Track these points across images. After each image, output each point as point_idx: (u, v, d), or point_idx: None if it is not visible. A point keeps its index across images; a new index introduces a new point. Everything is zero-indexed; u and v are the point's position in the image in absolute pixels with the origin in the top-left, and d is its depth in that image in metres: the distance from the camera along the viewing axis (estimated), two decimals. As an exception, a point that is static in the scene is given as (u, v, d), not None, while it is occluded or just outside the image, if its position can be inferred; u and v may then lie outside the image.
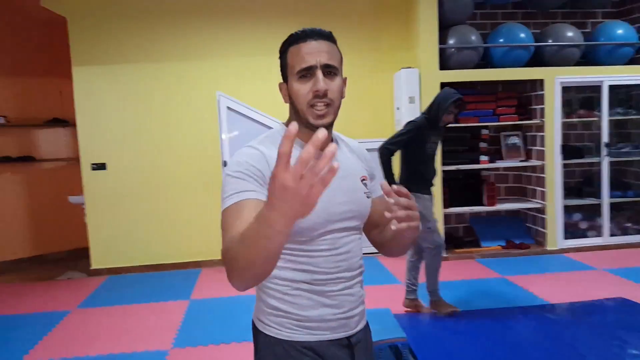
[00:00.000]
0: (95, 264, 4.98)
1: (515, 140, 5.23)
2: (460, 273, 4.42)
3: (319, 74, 1.15)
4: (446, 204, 4.91)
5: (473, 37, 4.84)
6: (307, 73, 1.16)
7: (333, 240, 1.20)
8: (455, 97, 3.25)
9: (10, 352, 3.20)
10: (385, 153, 3.33)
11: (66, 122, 5.70)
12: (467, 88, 5.12)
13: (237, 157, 1.19)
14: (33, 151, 5.68)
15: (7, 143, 5.46)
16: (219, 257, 5.03)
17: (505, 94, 5.09)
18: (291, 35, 1.19)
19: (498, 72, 4.76)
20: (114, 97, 4.93)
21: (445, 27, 4.91)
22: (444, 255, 3.36)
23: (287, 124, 1.25)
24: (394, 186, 1.08)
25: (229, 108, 4.99)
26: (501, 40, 4.88)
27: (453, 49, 4.82)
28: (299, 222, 0.93)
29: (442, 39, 4.85)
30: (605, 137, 4.96)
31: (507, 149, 5.23)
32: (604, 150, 4.97)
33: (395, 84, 5.07)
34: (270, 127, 5.02)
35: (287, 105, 1.27)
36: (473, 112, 4.93)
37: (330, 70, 1.17)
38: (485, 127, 5.11)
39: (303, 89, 1.17)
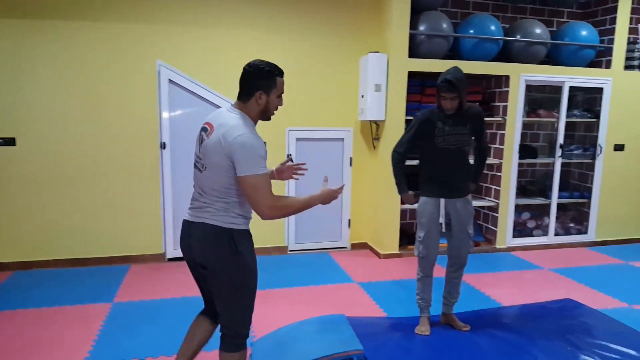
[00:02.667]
0: None
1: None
2: (413, 271, 4.26)
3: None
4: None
5: (444, 25, 4.55)
6: (281, 94, 2.10)
7: None
8: (440, 80, 2.74)
9: None
10: (393, 157, 2.98)
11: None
12: (435, 79, 4.84)
13: (257, 142, 1.94)
14: None
15: None
16: (151, 252, 4.47)
17: (470, 89, 4.89)
18: (279, 71, 2.07)
19: (467, 64, 4.53)
20: (28, 58, 4.03)
21: (416, 12, 4.55)
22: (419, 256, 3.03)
23: (247, 113, 2.05)
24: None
25: (171, 81, 4.32)
26: (471, 31, 4.63)
27: (423, 36, 4.49)
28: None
29: (413, 24, 4.50)
30: (561, 139, 4.98)
31: (466, 144, 5.09)
32: (558, 152, 5.00)
33: (361, 69, 4.66)
34: (217, 105, 4.44)
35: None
36: (439, 105, 4.68)
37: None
38: (448, 121, 4.91)
39: (278, 102, 2.09)
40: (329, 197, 2.16)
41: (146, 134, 4.33)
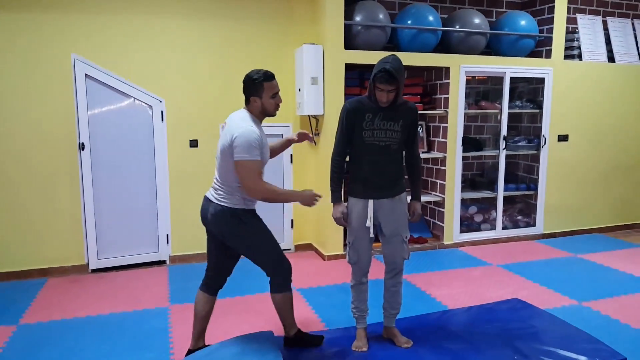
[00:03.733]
0: None
1: (419, 131, 4.96)
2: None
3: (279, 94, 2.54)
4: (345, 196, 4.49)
5: (381, 16, 4.39)
6: (276, 93, 2.50)
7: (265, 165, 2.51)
8: (377, 70, 2.45)
9: None
10: (333, 163, 2.68)
11: None
12: (373, 71, 4.68)
13: (251, 133, 2.34)
14: None
15: None
16: (72, 263, 4.10)
17: (411, 81, 4.76)
18: (267, 76, 2.44)
19: (406, 55, 4.38)
20: None
21: (352, 2, 4.38)
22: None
23: (253, 112, 2.48)
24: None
25: (88, 76, 3.98)
26: (409, 21, 4.49)
27: (360, 27, 4.32)
28: (264, 158, 2.45)
29: (348, 15, 4.32)
30: (504, 130, 4.90)
31: (410, 138, 4.95)
32: (503, 143, 4.92)
33: (297, 61, 4.44)
34: (141, 101, 4.13)
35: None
36: (378, 98, 4.51)
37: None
38: (390, 115, 4.74)
39: (274, 101, 2.49)
40: (309, 198, 2.51)
41: (63, 134, 3.97)
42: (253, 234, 2.49)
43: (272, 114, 2.51)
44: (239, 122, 2.38)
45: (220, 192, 2.46)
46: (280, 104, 2.52)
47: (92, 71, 3.97)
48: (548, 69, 4.94)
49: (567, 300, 3.55)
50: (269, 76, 2.44)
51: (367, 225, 2.62)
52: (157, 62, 4.15)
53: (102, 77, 4.00)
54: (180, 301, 3.53)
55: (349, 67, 4.35)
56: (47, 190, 3.99)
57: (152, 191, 4.29)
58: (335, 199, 2.70)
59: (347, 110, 2.60)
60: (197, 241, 4.41)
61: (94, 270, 4.16)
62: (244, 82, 2.46)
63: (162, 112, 4.21)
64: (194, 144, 4.33)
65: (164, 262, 4.38)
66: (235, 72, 4.33)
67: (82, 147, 4.00)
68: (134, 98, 4.11)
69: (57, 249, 4.06)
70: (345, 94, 4.34)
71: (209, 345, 2.65)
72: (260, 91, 2.42)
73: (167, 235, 4.36)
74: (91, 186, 4.07)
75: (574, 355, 2.61)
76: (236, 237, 2.48)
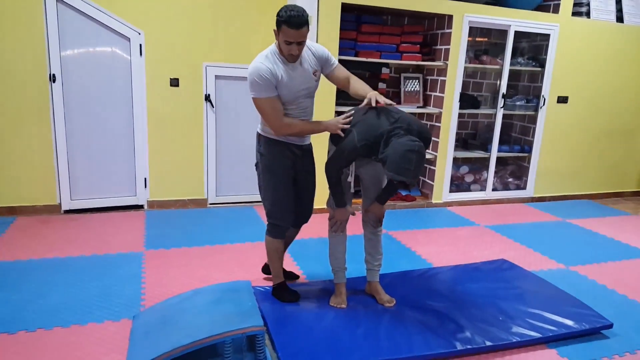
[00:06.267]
0: None
1: (415, 84, 4.72)
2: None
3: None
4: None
5: (384, -48, 4.03)
6: (292, 42, 2.22)
7: (298, 103, 2.39)
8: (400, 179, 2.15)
9: None
10: (330, 172, 2.42)
11: None
12: (373, 15, 4.38)
13: (255, 70, 2.23)
14: None
15: None
16: (44, 203, 3.89)
17: (411, 28, 4.47)
18: (287, 19, 2.17)
19: (407, 0, 4.08)
20: None
21: None
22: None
23: (277, 46, 2.30)
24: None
25: (59, 0, 3.62)
26: (414, -39, 4.15)
27: (360, -36, 3.97)
28: (285, 96, 2.32)
29: (348, -51, 3.96)
30: (504, 88, 4.68)
31: (406, 93, 4.71)
32: (501, 102, 4.71)
33: (289, 1, 4.11)
34: (116, 31, 3.80)
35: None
36: (376, 45, 4.24)
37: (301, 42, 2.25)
38: (387, 66, 4.48)
39: (287, 49, 2.24)
40: (333, 125, 2.37)
41: (32, 64, 3.65)
42: (263, 166, 2.47)
43: (288, 60, 2.29)
44: (254, 59, 2.29)
45: (260, 121, 2.47)
46: (295, 55, 2.26)
47: (64, -5, 3.61)
48: (554, 25, 4.68)
49: (554, 264, 3.47)
50: (293, 22, 2.15)
51: (348, 180, 2.51)
52: (136, -10, 3.79)
53: (74, 2, 3.64)
54: (155, 247, 3.38)
55: (346, 9, 4.04)
56: (16, 125, 3.71)
57: (129, 131, 4.03)
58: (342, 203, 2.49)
59: (357, 150, 2.29)
60: (176, 187, 4.22)
61: (66, 212, 3.96)
62: None
63: (140, 45, 3.89)
64: (174, 82, 4.04)
65: (141, 206, 4.20)
66: (219, 5, 4.00)
67: (53, 79, 3.70)
68: (108, 27, 3.77)
69: (26, 187, 3.83)
70: (340, 39, 4.05)
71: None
72: (278, 29, 2.22)
73: (145, 178, 4.14)
74: (63, 123, 3.80)
75: (560, 319, 2.54)
76: (256, 163, 2.53)
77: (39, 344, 2.19)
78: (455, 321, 2.48)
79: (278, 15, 2.19)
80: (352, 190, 2.58)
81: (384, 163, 2.18)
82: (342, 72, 2.50)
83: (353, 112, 2.42)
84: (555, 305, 2.69)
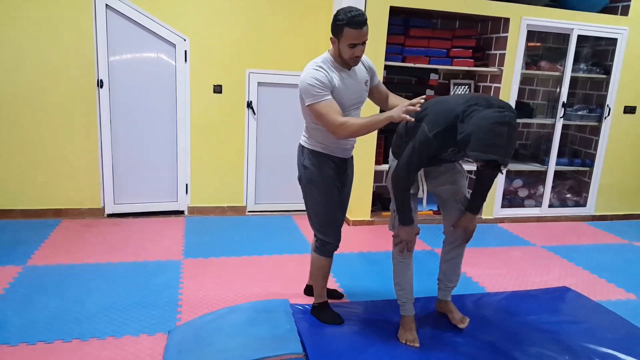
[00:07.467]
0: None
1: (465, 91, 4.46)
2: (384, 243, 3.74)
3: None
4: (379, 161, 4.12)
5: (436, -47, 3.83)
6: (357, 45, 2.13)
7: (347, 113, 2.23)
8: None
9: None
10: (398, 181, 2.20)
11: None
12: (422, 18, 4.18)
13: (307, 76, 2.13)
14: None
15: None
16: (88, 206, 3.93)
17: (463, 32, 4.23)
18: (350, 21, 2.08)
19: (460, 2, 3.86)
20: None
21: None
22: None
23: (333, 54, 2.21)
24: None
25: (109, 7, 3.67)
26: (468, -38, 3.92)
27: (410, -34, 3.79)
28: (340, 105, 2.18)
29: (399, -50, 3.79)
30: (564, 96, 4.35)
31: (455, 99, 4.46)
32: (561, 111, 4.38)
33: (334, 2, 3.98)
34: (163, 38, 3.80)
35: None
36: (425, 50, 4.03)
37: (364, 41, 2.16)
38: (435, 71, 4.27)
39: (351, 52, 2.14)
40: (398, 111, 2.04)
41: (80, 69, 3.71)
42: (307, 179, 2.33)
43: (349, 64, 2.19)
44: (306, 67, 2.20)
45: (303, 131, 2.36)
46: (359, 57, 2.17)
47: (113, 1, 3.64)
48: (623, 28, 4.30)
49: (623, 293, 3.13)
50: (355, 22, 2.06)
51: (419, 196, 2.30)
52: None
53: (123, 9, 3.67)
54: (194, 255, 3.32)
55: (394, 12, 3.87)
56: (64, 129, 3.77)
57: (172, 137, 4.02)
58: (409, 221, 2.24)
59: (431, 142, 2.00)
60: (217, 194, 4.17)
61: (109, 215, 3.99)
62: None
63: (185, 52, 3.87)
64: (218, 89, 4.00)
65: (182, 212, 4.17)
66: (262, 13, 3.93)
67: (100, 84, 3.74)
68: (156, 34, 3.77)
69: (72, 191, 3.89)
70: (387, 43, 3.88)
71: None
72: (338, 34, 2.12)
73: (187, 185, 4.12)
74: (109, 127, 3.83)
75: (636, 360, 2.24)
76: (299, 177, 2.39)
77: (74, 357, 2.15)
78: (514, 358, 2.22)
79: (337, 19, 2.09)
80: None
81: (464, 145, 1.81)
82: (384, 87, 2.48)
83: (422, 100, 2.07)
84: (629, 344, 2.39)
